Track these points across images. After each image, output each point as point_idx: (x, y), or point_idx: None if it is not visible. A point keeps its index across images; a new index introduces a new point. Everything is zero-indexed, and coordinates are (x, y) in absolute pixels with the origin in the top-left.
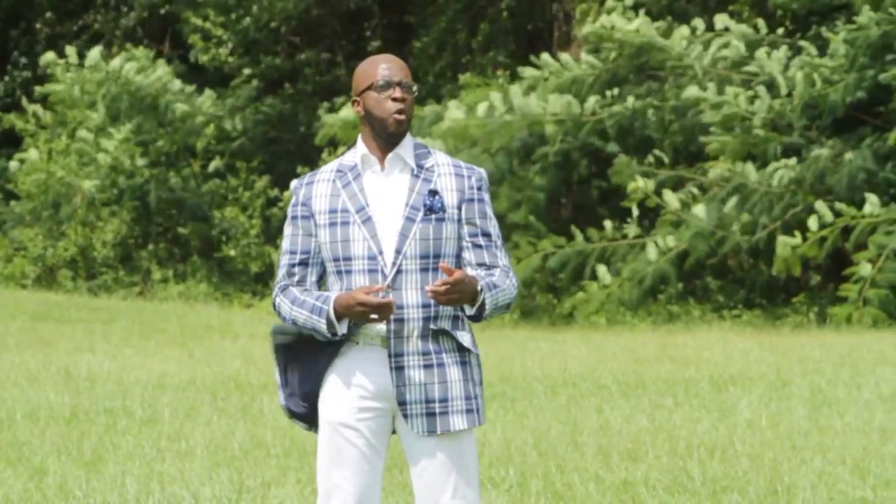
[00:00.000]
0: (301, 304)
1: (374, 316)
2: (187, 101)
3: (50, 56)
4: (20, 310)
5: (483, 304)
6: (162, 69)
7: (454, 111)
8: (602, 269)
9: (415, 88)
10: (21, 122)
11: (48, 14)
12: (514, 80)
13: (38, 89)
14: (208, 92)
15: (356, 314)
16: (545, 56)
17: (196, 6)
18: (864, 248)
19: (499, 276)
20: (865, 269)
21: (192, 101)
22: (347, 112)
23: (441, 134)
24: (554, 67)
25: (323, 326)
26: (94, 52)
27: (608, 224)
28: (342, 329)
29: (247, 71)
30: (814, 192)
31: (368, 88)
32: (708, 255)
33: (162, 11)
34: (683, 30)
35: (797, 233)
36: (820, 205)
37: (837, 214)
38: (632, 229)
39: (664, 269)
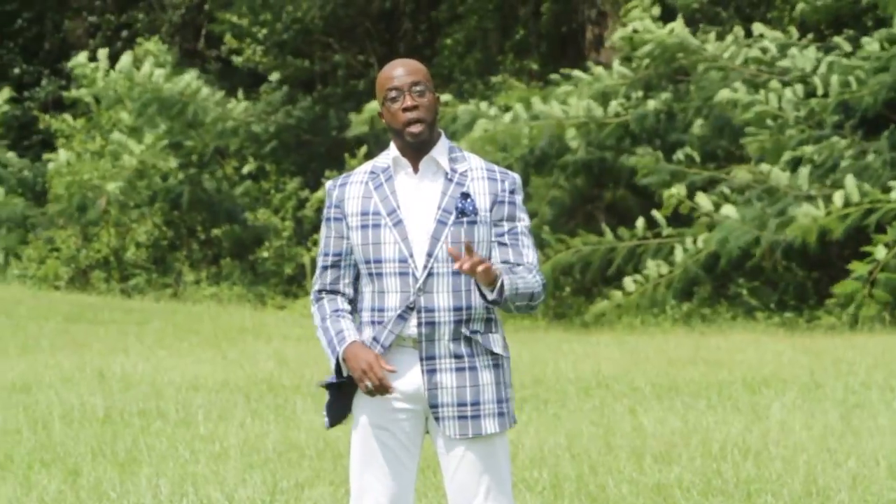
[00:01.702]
0: (325, 331)
1: (368, 384)
2: (218, 105)
3: (80, 59)
4: (54, 311)
5: (502, 286)
6: (189, 75)
7: (484, 120)
8: (627, 280)
9: (430, 87)
10: (56, 123)
11: (85, 13)
12: (547, 86)
13: (67, 94)
14: (239, 95)
15: (358, 371)
16: (577, 72)
17: (230, 6)
18: (883, 233)
19: (520, 270)
20: (881, 252)
21: (223, 104)
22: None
23: (472, 141)
24: (586, 80)
25: (332, 364)
26: (126, 59)
27: (640, 222)
28: (347, 372)
29: (278, 73)
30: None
31: (384, 100)
32: (740, 257)
33: (201, 10)
34: (713, 36)
35: (820, 204)
36: (850, 181)
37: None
38: (664, 230)
39: (694, 269)
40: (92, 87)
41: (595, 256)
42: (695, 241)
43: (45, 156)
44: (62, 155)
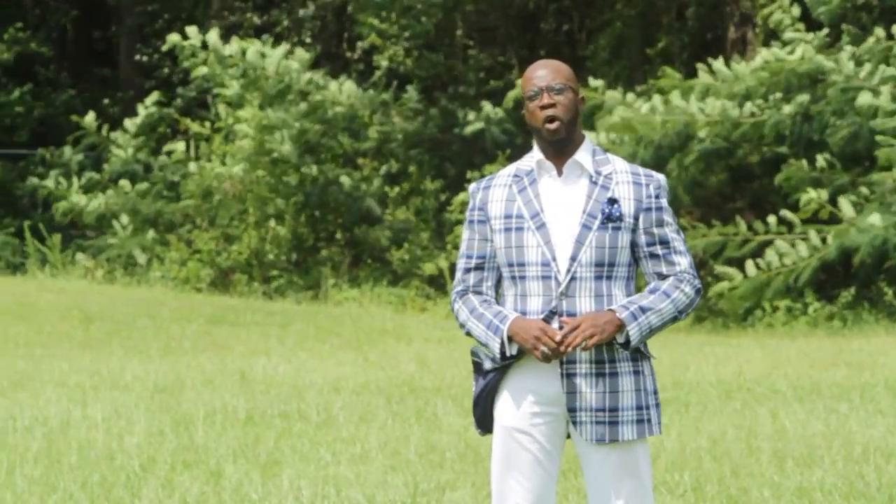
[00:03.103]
0: (479, 318)
1: (544, 349)
2: (356, 105)
3: (174, 37)
4: (196, 313)
5: (628, 336)
6: (331, 79)
7: (622, 107)
8: (749, 263)
9: (572, 87)
10: (196, 127)
11: (227, 13)
12: (689, 77)
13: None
14: (372, 94)
15: (531, 339)
16: (718, 65)
17: (371, 7)
18: None
19: (661, 292)
20: None
21: (362, 104)
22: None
23: (606, 128)
24: (727, 77)
25: (496, 345)
26: (252, 50)
27: (772, 218)
28: (512, 350)
29: (418, 74)
30: None
31: (525, 99)
32: (880, 259)
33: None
34: (846, 54)
35: None
36: None
37: None
38: (798, 227)
39: (818, 265)
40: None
41: (729, 247)
42: (824, 241)
43: (166, 147)
44: (180, 146)
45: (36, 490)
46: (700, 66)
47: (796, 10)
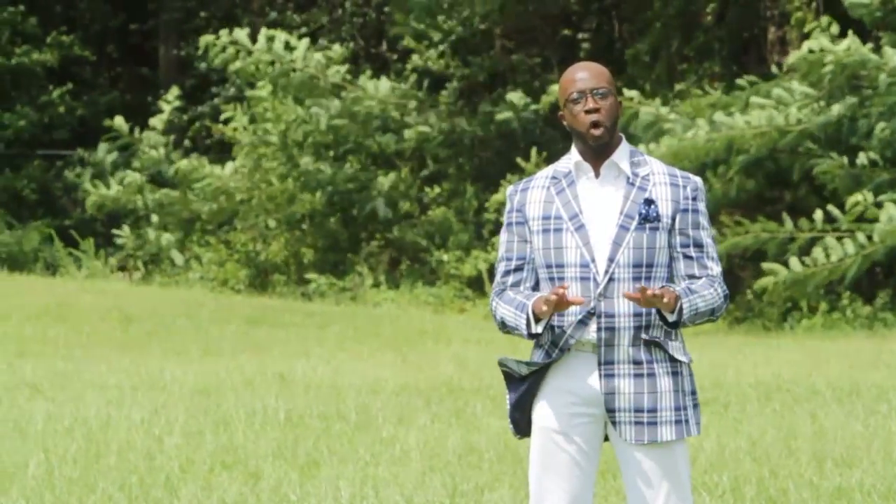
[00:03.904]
0: (510, 301)
1: (552, 298)
2: (389, 103)
3: (207, 38)
4: (235, 314)
5: (681, 308)
6: (365, 77)
7: (668, 137)
8: (794, 260)
9: (613, 91)
10: (230, 131)
11: (268, 8)
12: (730, 91)
13: (250, 93)
14: (407, 92)
15: (548, 302)
16: (755, 79)
17: (408, 8)
18: None
19: (701, 283)
20: None
21: (400, 105)
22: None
23: (657, 155)
24: (765, 91)
25: (522, 322)
26: (300, 50)
27: (818, 215)
28: (538, 328)
29: (456, 75)
30: None
31: (566, 101)
32: None
33: (381, 11)
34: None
35: None
36: None
37: None
38: (843, 224)
39: (866, 262)
40: (256, 77)
41: (772, 244)
42: (870, 238)
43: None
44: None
45: (75, 491)
46: (743, 78)
47: (835, 28)
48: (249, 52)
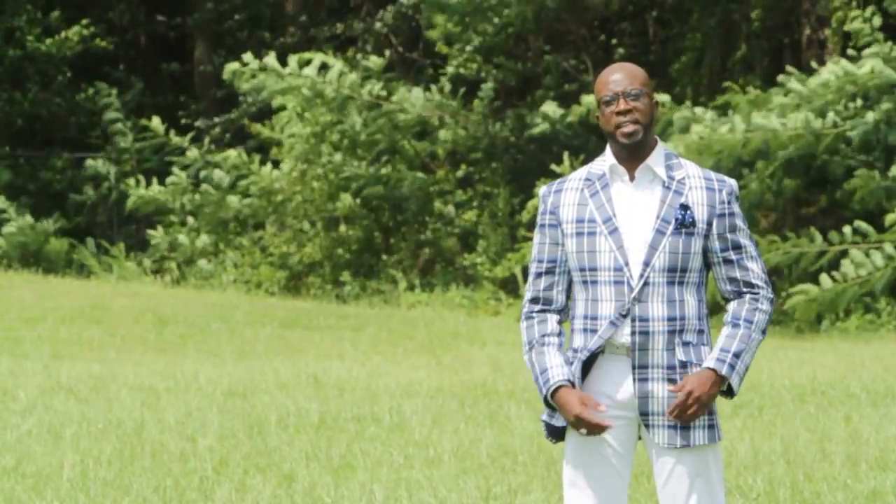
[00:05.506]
0: (531, 364)
1: (583, 431)
2: (425, 111)
3: (233, 66)
4: (269, 317)
5: (730, 386)
6: (403, 89)
7: (700, 126)
8: (824, 276)
9: (648, 92)
10: (261, 129)
11: (303, 18)
12: (767, 89)
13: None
14: (441, 100)
15: (570, 418)
16: (793, 83)
17: (443, 10)
18: None
19: (744, 322)
20: None
21: (433, 110)
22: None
23: (687, 145)
24: (803, 92)
25: (541, 397)
26: (334, 71)
27: (847, 229)
28: (558, 422)
29: (489, 78)
30: None
31: (600, 103)
32: None
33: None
34: None
35: None
36: None
37: None
38: (872, 237)
39: (889, 276)
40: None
41: (805, 260)
42: None
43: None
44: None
45: (109, 493)
46: (782, 77)
47: (877, 20)
48: (280, 76)
